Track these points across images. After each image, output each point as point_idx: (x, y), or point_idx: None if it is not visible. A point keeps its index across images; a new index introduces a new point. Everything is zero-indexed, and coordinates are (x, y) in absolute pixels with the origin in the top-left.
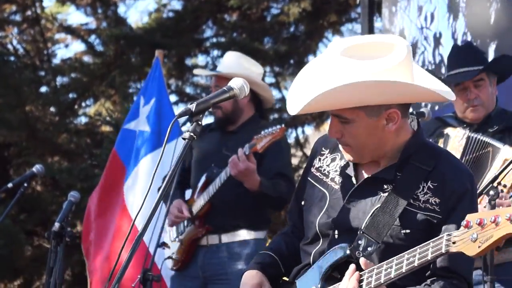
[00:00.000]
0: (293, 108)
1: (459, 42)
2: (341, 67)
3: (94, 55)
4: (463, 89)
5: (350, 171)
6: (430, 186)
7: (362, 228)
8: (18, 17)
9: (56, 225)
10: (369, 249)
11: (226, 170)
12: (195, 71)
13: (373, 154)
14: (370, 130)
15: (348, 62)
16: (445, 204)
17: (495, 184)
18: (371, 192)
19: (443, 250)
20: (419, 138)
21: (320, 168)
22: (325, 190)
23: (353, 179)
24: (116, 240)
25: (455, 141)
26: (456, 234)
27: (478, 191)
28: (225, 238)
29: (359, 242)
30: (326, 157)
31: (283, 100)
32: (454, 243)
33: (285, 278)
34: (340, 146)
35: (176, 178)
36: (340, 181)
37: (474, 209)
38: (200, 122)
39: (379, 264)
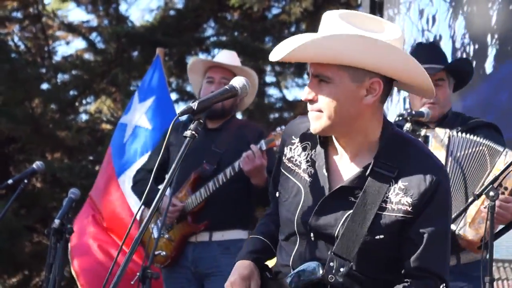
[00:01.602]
0: (276, 54)
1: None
2: (335, 25)
3: (95, 53)
4: None
5: (321, 161)
6: (401, 186)
7: (333, 249)
8: (19, 14)
9: (56, 222)
10: (341, 269)
11: (233, 165)
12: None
13: (344, 126)
14: (348, 95)
15: (344, 24)
16: (417, 202)
17: (495, 185)
18: (342, 199)
19: None
20: (389, 132)
21: (291, 159)
22: (299, 184)
23: (324, 171)
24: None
25: (437, 140)
26: None
27: (478, 192)
28: (216, 236)
29: (331, 264)
30: (297, 146)
31: (283, 99)
32: None
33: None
34: (310, 114)
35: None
36: (312, 173)
37: (446, 205)
38: (201, 121)
39: None
